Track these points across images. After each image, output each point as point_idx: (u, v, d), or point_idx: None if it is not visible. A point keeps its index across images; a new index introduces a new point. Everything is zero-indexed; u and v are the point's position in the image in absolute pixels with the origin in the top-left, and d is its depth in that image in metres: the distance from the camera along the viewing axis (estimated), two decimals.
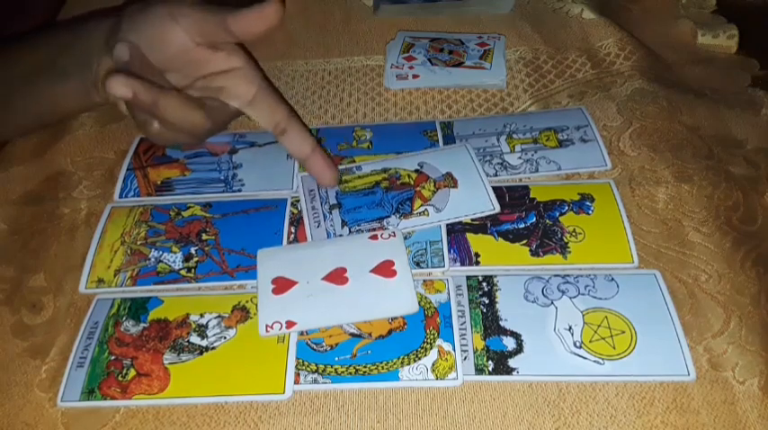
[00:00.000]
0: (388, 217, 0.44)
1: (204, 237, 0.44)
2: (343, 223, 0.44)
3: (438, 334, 0.38)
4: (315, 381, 0.36)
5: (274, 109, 0.44)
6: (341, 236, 0.43)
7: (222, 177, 0.48)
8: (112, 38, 0.42)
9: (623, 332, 0.37)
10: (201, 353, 0.38)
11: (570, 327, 0.38)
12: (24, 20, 0.60)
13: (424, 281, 0.41)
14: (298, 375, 0.36)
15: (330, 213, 0.45)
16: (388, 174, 0.47)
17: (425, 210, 0.45)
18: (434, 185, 0.46)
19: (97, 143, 0.52)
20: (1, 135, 0.52)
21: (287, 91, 0.56)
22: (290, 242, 0.44)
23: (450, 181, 0.46)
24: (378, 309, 0.39)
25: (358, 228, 0.44)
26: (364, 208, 0.45)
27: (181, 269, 0.42)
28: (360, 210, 0.45)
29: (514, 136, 0.50)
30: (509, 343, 0.37)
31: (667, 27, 0.61)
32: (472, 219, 0.44)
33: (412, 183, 0.47)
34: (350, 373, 0.36)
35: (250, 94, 0.43)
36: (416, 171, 0.47)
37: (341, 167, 0.48)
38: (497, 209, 0.44)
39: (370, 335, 0.38)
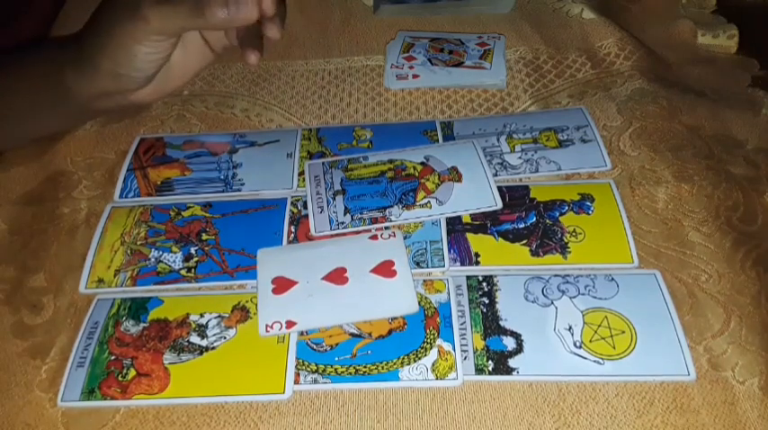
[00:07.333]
0: (391, 207, 0.44)
1: (204, 236, 0.44)
2: (346, 210, 0.44)
3: (438, 334, 0.38)
4: (315, 381, 0.36)
5: None
6: (343, 223, 0.43)
7: (222, 177, 0.48)
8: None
9: (623, 332, 0.37)
10: (201, 353, 0.38)
11: (570, 327, 0.38)
12: (24, 19, 0.60)
13: (424, 281, 0.41)
14: (298, 375, 0.36)
15: (334, 199, 0.45)
16: (394, 165, 0.48)
17: (428, 202, 0.45)
18: (439, 178, 0.46)
19: (97, 143, 0.52)
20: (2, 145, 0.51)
21: (287, 91, 0.56)
22: (290, 242, 0.44)
23: (454, 175, 0.46)
24: (378, 308, 0.39)
25: (360, 216, 0.44)
26: (368, 196, 0.45)
27: (181, 269, 0.42)
28: (363, 198, 0.45)
29: (514, 136, 0.50)
30: (509, 343, 0.37)
31: (667, 27, 0.61)
32: (472, 216, 0.44)
33: (417, 174, 0.47)
34: (350, 373, 0.36)
35: None
36: (422, 163, 0.47)
37: (348, 156, 0.48)
38: (499, 205, 0.44)
39: (370, 335, 0.38)
